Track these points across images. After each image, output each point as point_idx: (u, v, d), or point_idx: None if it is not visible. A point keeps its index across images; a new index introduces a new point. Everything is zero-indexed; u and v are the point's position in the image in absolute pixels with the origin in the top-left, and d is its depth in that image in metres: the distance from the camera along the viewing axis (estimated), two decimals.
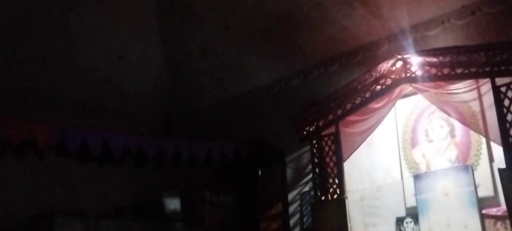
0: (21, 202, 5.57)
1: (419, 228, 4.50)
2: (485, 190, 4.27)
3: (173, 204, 6.27)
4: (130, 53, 6.26)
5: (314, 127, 5.11)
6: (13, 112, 5.17)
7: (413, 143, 4.81)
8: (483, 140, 4.35)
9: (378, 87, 4.70)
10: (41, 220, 5.31)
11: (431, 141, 4.71)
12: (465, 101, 4.26)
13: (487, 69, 4.08)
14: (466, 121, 4.29)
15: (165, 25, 6.12)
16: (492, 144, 4.26)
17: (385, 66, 4.63)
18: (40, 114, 5.50)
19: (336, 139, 4.95)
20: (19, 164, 5.05)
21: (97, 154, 5.04)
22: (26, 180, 5.67)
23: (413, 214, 4.60)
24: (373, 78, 4.69)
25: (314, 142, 5.09)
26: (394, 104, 4.77)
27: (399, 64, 4.59)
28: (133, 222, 5.89)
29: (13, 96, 5.70)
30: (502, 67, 3.99)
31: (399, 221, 4.69)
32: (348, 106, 4.88)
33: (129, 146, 5.27)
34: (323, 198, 4.91)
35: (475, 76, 4.15)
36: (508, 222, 3.95)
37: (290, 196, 5.72)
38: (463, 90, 4.24)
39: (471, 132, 4.42)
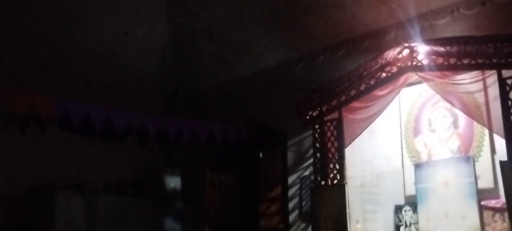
0: (23, 174, 5.61)
1: (417, 217, 4.52)
2: (485, 182, 4.28)
3: (173, 182, 6.31)
4: (136, 30, 6.24)
5: (317, 111, 5.10)
6: (17, 85, 5.17)
7: (416, 131, 4.82)
8: (486, 131, 4.35)
9: (384, 74, 4.68)
10: (42, 192, 5.37)
11: (433, 131, 4.71)
12: (470, 92, 4.24)
13: (494, 61, 4.05)
14: (470, 112, 4.28)
15: (172, 4, 6.08)
16: (495, 136, 4.26)
17: (391, 53, 4.61)
18: (44, 88, 5.49)
19: (338, 124, 4.95)
20: (22, 136, 5.07)
21: (100, 129, 5.05)
22: (29, 152, 5.69)
23: (412, 202, 4.63)
24: (378, 66, 4.67)
25: (317, 126, 5.09)
26: (398, 92, 4.76)
27: (406, 52, 4.56)
28: (133, 198, 5.94)
29: (18, 69, 5.70)
30: (510, 60, 3.97)
31: (398, 209, 4.72)
32: (352, 92, 4.87)
33: (132, 123, 5.28)
34: (323, 182, 4.93)
35: (482, 67, 4.13)
36: (506, 214, 3.97)
37: (290, 180, 5.76)
38: (468, 81, 4.22)
39: (474, 123, 4.41)
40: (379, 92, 4.76)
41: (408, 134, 4.86)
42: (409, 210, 4.63)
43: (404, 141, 4.87)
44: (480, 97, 4.24)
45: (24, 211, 5.42)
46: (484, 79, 4.21)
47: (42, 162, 5.78)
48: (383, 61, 4.65)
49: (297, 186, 5.66)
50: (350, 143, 4.94)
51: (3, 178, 5.46)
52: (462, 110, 4.38)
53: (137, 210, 5.88)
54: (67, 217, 5.30)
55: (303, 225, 5.49)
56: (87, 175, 5.96)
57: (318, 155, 5.04)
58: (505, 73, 4.03)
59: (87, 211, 5.47)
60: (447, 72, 4.36)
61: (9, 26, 5.48)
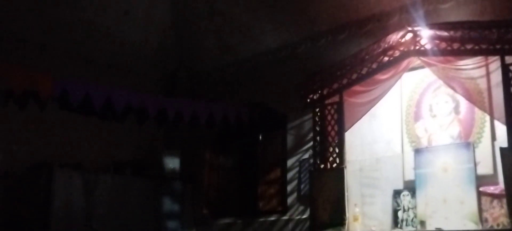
0: (21, 152, 5.61)
1: (415, 202, 4.53)
2: (485, 168, 4.28)
3: (172, 163, 6.31)
4: (137, 8, 6.17)
5: (318, 94, 5.08)
6: (17, 62, 5.13)
7: (417, 117, 4.80)
8: (487, 118, 4.34)
9: (386, 58, 4.65)
10: (41, 170, 5.37)
11: (434, 116, 4.70)
12: (473, 78, 4.22)
13: (498, 46, 4.02)
14: (472, 97, 4.26)
15: None
16: (496, 123, 4.24)
17: (394, 37, 4.57)
18: (43, 65, 5.46)
19: (339, 108, 4.93)
20: (21, 114, 5.06)
21: (99, 108, 5.03)
22: (28, 130, 5.69)
23: (411, 187, 4.63)
24: (381, 49, 4.63)
25: (317, 110, 5.08)
26: (400, 77, 4.73)
27: (409, 36, 4.52)
28: (132, 178, 5.94)
29: (17, 46, 5.65)
30: None
31: (396, 193, 4.73)
32: (354, 76, 4.84)
33: (131, 103, 5.26)
34: (322, 166, 4.94)
35: (485, 53, 4.10)
36: (504, 200, 4.00)
37: (289, 162, 5.76)
38: (471, 67, 4.20)
39: (476, 109, 4.39)
40: (380, 76, 4.74)
41: (409, 119, 4.84)
42: (408, 194, 4.64)
43: (404, 126, 4.86)
44: (483, 83, 4.22)
45: (23, 188, 5.43)
46: (487, 65, 4.19)
47: (41, 140, 5.78)
48: (386, 45, 4.62)
49: (296, 169, 5.67)
50: (350, 127, 4.93)
51: (2, 155, 5.47)
52: (464, 96, 4.36)
53: (135, 190, 5.89)
54: (66, 195, 5.31)
55: (301, 207, 5.51)
56: (86, 154, 5.97)
57: (318, 138, 5.03)
58: (508, 59, 4.02)
59: (85, 190, 5.48)
60: (450, 57, 4.33)
61: (8, 4, 5.42)
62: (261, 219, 5.86)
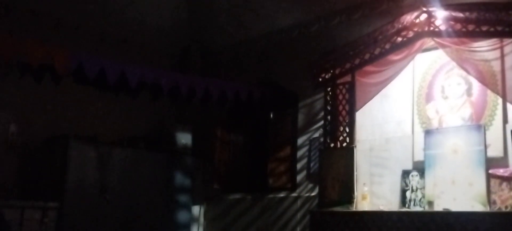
0: (37, 124, 5.72)
1: (424, 182, 4.57)
2: (495, 151, 4.29)
3: (184, 138, 6.39)
4: None
5: (330, 74, 5.10)
6: (33, 36, 5.20)
7: (428, 98, 4.80)
8: (499, 100, 4.32)
9: (399, 39, 4.63)
10: (57, 143, 5.48)
11: (446, 98, 4.70)
12: (487, 60, 4.20)
13: None
14: (485, 80, 4.25)
15: None
16: (508, 106, 4.24)
17: (408, 18, 4.54)
18: (58, 40, 5.53)
19: (351, 88, 4.95)
20: (37, 87, 5.16)
21: (113, 83, 5.11)
22: (44, 103, 5.79)
23: (420, 168, 4.66)
24: (395, 30, 4.62)
25: (329, 89, 5.11)
26: (413, 57, 4.72)
27: (423, 17, 4.49)
28: (145, 152, 6.04)
29: (33, 21, 5.71)
30: None
31: (405, 173, 4.77)
32: (367, 56, 4.84)
33: (145, 78, 5.32)
34: (332, 145, 4.99)
35: (501, 35, 4.07)
36: None
37: (300, 141, 5.81)
38: (486, 49, 4.18)
39: (488, 92, 4.38)
40: (393, 57, 4.73)
41: (420, 100, 4.85)
42: (417, 175, 4.68)
43: (415, 107, 4.86)
44: (496, 66, 4.20)
45: (39, 160, 5.56)
46: (501, 48, 4.17)
47: (57, 113, 5.88)
48: (400, 26, 4.60)
49: (306, 147, 5.73)
50: (361, 107, 4.96)
51: (19, 127, 5.59)
52: (477, 78, 4.35)
53: (148, 163, 6.00)
54: (81, 167, 5.42)
55: (310, 185, 5.58)
56: (100, 128, 6.06)
57: (328, 117, 5.07)
58: None
59: (99, 162, 5.58)
60: (464, 39, 4.30)
61: None
62: (270, 195, 5.95)
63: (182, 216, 6.20)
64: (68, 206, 5.22)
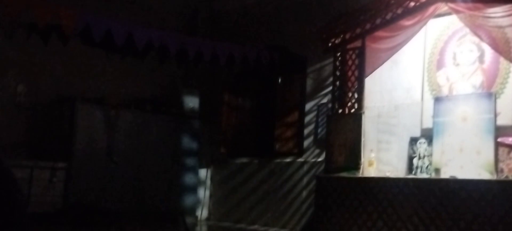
0: (45, 85, 5.72)
1: (431, 150, 4.56)
2: (505, 119, 4.26)
3: (192, 102, 6.39)
4: None
5: (340, 39, 5.03)
6: None
7: (439, 65, 4.73)
8: None
9: (412, 4, 4.53)
10: (64, 104, 5.49)
11: (458, 65, 4.63)
12: (501, 27, 4.12)
13: None
14: (498, 47, 4.17)
15: None
16: None
17: None
18: (65, 0, 5.45)
19: (361, 53, 4.89)
20: (44, 47, 5.13)
21: (120, 44, 5.06)
22: (51, 63, 5.78)
23: (428, 135, 4.65)
24: None
25: (338, 54, 5.04)
26: (425, 23, 4.63)
27: None
28: (152, 114, 6.05)
29: None
30: None
31: (413, 141, 4.75)
32: (378, 21, 4.76)
33: (152, 40, 5.27)
34: (340, 111, 4.97)
35: None
36: None
37: (307, 106, 5.80)
38: (500, 15, 4.08)
39: (501, 59, 4.32)
40: (405, 22, 4.64)
41: (431, 67, 4.78)
42: (424, 142, 4.66)
43: (426, 74, 4.81)
44: (510, 33, 4.13)
45: (47, 120, 5.59)
46: None
47: (64, 74, 5.87)
48: None
49: (314, 113, 5.71)
50: (371, 73, 4.91)
51: (27, 88, 5.59)
52: (490, 45, 4.27)
53: (155, 126, 6.02)
54: (88, 129, 5.46)
55: (317, 151, 5.60)
56: (107, 90, 6.05)
57: (337, 83, 5.03)
58: None
59: (107, 124, 5.61)
60: (478, 4, 4.20)
61: None
62: (277, 160, 5.98)
63: (189, 178, 6.27)
64: (76, 166, 5.29)
